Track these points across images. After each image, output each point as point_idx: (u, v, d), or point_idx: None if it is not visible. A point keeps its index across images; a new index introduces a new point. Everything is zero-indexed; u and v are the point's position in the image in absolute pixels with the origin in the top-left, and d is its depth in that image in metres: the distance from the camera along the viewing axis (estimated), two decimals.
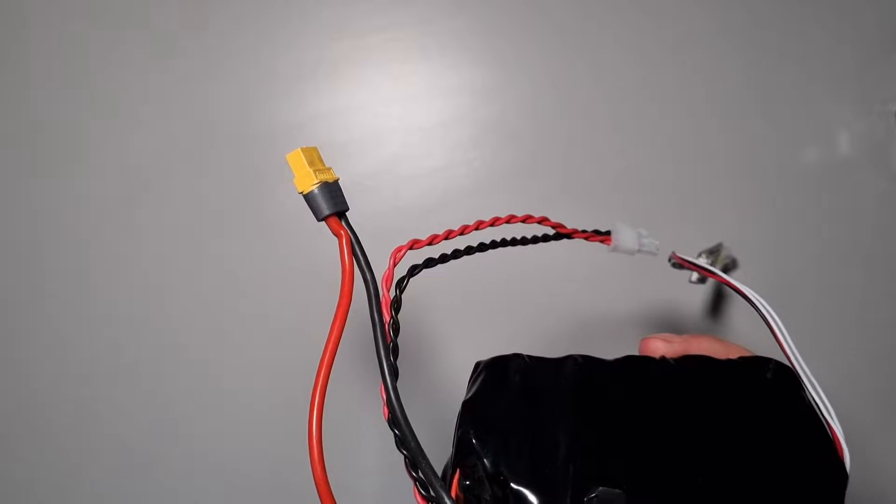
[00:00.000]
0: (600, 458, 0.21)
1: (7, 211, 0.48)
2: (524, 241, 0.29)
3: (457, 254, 0.26)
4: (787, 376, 0.24)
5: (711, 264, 0.39)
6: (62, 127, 0.49)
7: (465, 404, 0.22)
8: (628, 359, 0.25)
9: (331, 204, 0.22)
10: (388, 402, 0.20)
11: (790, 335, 0.25)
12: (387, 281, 0.22)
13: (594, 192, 0.48)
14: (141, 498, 0.45)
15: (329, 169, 0.23)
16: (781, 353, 0.25)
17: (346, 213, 0.22)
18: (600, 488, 0.20)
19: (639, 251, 0.31)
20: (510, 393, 0.23)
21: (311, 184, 0.22)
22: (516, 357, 0.25)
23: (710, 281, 0.46)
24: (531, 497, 0.20)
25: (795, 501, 0.21)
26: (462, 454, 0.21)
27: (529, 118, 0.48)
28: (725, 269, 0.46)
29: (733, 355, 0.26)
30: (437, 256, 0.25)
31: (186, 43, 0.48)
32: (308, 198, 0.22)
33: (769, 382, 0.24)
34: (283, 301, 0.47)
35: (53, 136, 0.48)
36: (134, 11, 0.48)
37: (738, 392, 0.24)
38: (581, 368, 0.24)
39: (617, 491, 0.20)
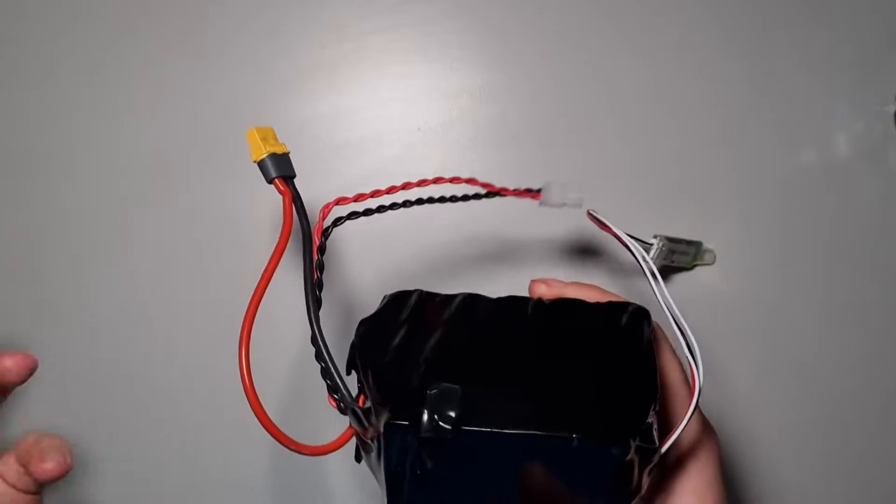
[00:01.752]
0: (449, 363, 0.27)
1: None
2: (454, 199, 0.33)
3: (381, 209, 0.31)
4: (637, 316, 0.29)
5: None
6: (57, 129, 0.50)
7: (360, 321, 0.28)
8: (509, 297, 0.30)
9: (277, 170, 0.28)
10: (310, 324, 0.25)
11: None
12: (318, 230, 0.27)
13: (594, 192, 0.48)
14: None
15: (282, 144, 0.29)
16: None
17: (294, 178, 0.28)
18: (441, 384, 0.25)
19: (564, 204, 0.35)
20: (400, 315, 0.29)
21: (261, 154, 0.28)
22: (416, 291, 0.30)
23: None
24: (387, 388, 0.26)
25: (602, 409, 0.26)
26: (349, 358, 0.27)
27: (530, 119, 0.48)
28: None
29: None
30: (361, 210, 0.30)
31: (184, 43, 0.49)
32: (259, 165, 0.28)
33: (622, 320, 0.29)
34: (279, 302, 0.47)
35: (48, 138, 0.49)
36: (130, 11, 0.49)
37: (590, 325, 0.29)
38: (465, 301, 0.30)
39: (455, 387, 0.25)
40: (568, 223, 0.47)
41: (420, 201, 0.32)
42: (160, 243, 0.49)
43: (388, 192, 0.30)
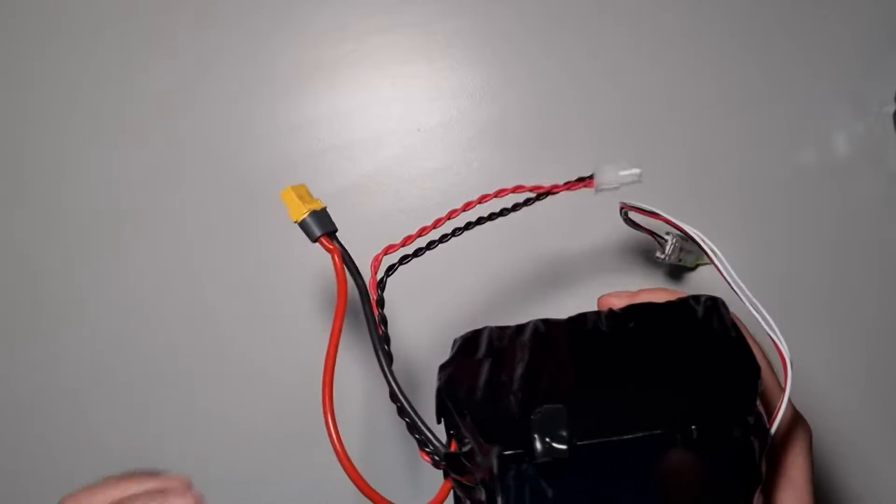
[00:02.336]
0: (543, 387, 0.26)
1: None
2: (503, 213, 0.31)
3: (431, 245, 0.30)
4: (713, 305, 0.29)
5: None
6: (55, 129, 0.50)
7: (440, 367, 0.28)
8: (579, 315, 0.30)
9: (320, 227, 0.27)
10: (387, 382, 0.25)
11: (758, 297, 0.29)
12: (373, 284, 0.27)
13: (593, 192, 0.48)
14: None
15: (317, 200, 0.28)
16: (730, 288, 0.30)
17: (336, 233, 0.27)
18: (544, 406, 0.24)
19: (622, 184, 0.33)
20: (477, 353, 0.28)
21: (302, 213, 0.27)
22: (485, 328, 0.30)
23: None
24: (489, 424, 0.25)
25: (710, 395, 0.25)
26: (438, 405, 0.27)
27: (529, 119, 0.49)
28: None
29: None
30: (411, 252, 0.29)
31: (183, 44, 0.49)
32: (301, 225, 0.28)
33: (698, 312, 0.29)
34: (287, 303, 0.48)
35: (46, 138, 0.49)
36: (130, 11, 0.49)
37: (668, 321, 0.29)
38: (537, 327, 0.29)
39: (558, 406, 0.24)
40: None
41: (469, 225, 0.30)
42: (159, 244, 0.49)
43: (434, 227, 0.29)
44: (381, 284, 0.27)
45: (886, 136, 0.48)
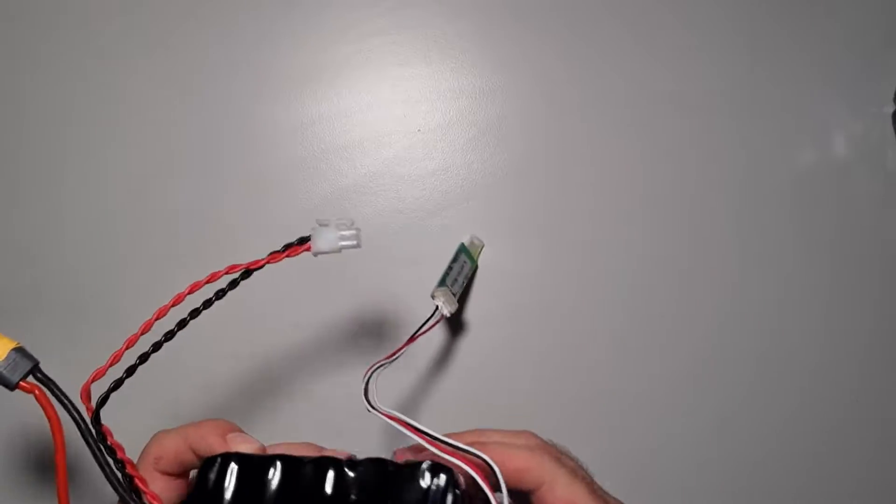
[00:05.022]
0: None
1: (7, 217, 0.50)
2: (219, 296, 0.30)
3: (143, 358, 0.28)
4: (440, 477, 0.27)
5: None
6: (58, 129, 0.51)
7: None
8: (320, 460, 0.28)
9: (15, 370, 0.24)
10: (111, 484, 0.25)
11: None
12: (90, 412, 0.26)
13: (592, 193, 0.49)
14: None
15: (4, 338, 0.25)
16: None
17: (39, 366, 0.25)
18: None
19: (342, 248, 0.30)
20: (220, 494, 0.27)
21: None
22: (228, 457, 0.28)
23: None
24: None
25: None
26: None
27: (528, 121, 0.49)
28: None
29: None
30: (123, 373, 0.28)
31: (185, 44, 0.50)
32: None
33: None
34: (285, 300, 0.48)
35: (46, 139, 0.49)
36: (130, 11, 0.50)
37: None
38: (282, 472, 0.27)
39: None
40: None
41: (183, 323, 0.29)
42: (158, 243, 0.50)
43: (142, 332, 0.27)
44: (96, 419, 0.26)
45: (885, 137, 0.48)
